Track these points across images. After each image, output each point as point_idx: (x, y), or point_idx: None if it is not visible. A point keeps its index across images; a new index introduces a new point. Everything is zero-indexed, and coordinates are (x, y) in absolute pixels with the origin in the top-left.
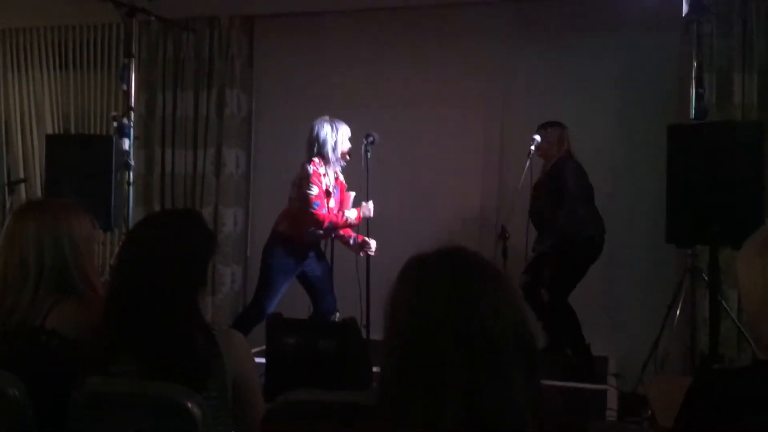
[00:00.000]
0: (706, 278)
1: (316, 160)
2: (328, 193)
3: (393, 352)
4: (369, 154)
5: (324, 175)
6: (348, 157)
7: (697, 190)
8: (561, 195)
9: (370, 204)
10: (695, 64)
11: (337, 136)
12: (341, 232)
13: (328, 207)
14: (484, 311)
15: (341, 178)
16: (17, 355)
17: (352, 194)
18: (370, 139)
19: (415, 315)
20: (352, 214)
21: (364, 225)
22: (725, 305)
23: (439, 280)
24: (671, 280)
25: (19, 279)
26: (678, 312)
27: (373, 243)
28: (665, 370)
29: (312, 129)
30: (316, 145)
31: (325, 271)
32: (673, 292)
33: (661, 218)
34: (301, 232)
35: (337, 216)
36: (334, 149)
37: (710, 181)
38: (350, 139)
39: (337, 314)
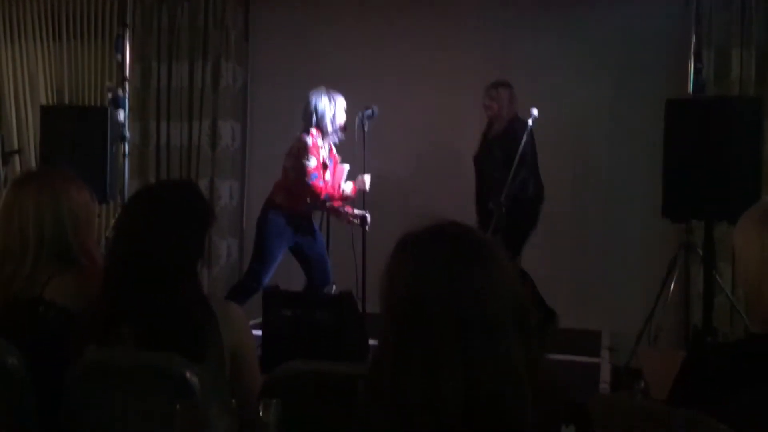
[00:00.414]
0: (701, 253)
1: (314, 131)
2: (324, 166)
3: (389, 326)
4: (366, 126)
5: (321, 147)
6: (345, 129)
7: (694, 165)
8: (517, 156)
9: (367, 177)
10: (694, 38)
11: (335, 108)
12: (335, 204)
13: (324, 179)
14: (478, 284)
15: (334, 151)
16: (15, 325)
17: (346, 167)
18: (368, 111)
19: (409, 288)
20: (348, 187)
21: (360, 199)
22: (719, 280)
23: (433, 254)
24: (666, 254)
25: (18, 250)
26: (672, 287)
27: (368, 216)
28: (659, 344)
29: (309, 100)
30: (314, 116)
31: (318, 242)
32: (668, 266)
33: (657, 193)
34: (296, 203)
35: (333, 188)
36: (333, 121)
37: (707, 156)
38: (345, 111)
39: (334, 287)
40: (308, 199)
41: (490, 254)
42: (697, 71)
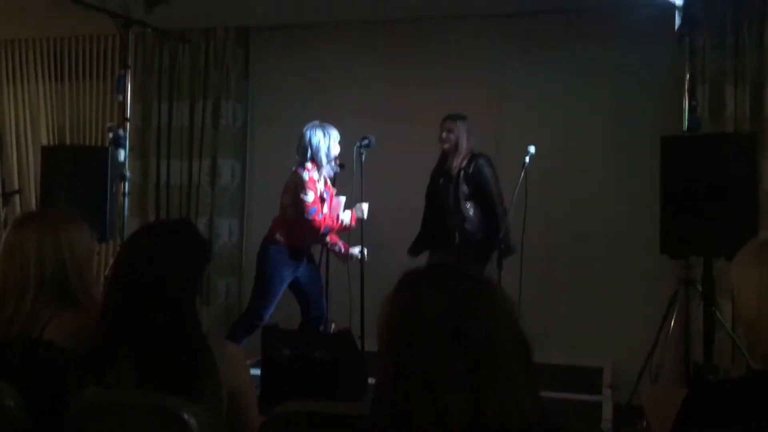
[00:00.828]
0: (700, 289)
1: (309, 165)
2: (322, 199)
3: (389, 360)
4: (363, 156)
5: (317, 180)
6: (338, 162)
7: (691, 201)
8: (480, 192)
9: (365, 206)
10: (688, 76)
11: (329, 141)
12: (330, 240)
13: (322, 212)
14: (485, 319)
15: (330, 183)
16: (14, 366)
17: (343, 199)
18: (365, 141)
19: (411, 321)
20: (346, 216)
21: (358, 232)
22: (719, 316)
23: (435, 288)
24: (666, 290)
25: (19, 289)
26: (672, 323)
27: (356, 250)
28: (660, 381)
29: (303, 134)
30: (309, 150)
31: (315, 277)
32: (668, 303)
33: (656, 229)
34: (296, 239)
35: (332, 219)
36: (327, 154)
37: (704, 193)
38: (339, 143)
39: (333, 325)
40: (307, 234)
41: (494, 290)
42: (691, 108)
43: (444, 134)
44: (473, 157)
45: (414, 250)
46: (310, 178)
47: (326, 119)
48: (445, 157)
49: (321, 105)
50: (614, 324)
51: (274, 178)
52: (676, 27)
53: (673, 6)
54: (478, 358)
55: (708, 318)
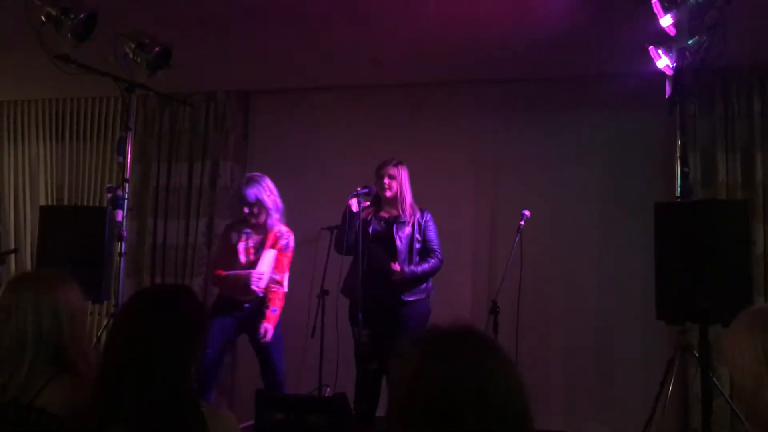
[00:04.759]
0: (697, 355)
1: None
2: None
3: (404, 417)
4: (361, 203)
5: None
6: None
7: (685, 267)
8: (425, 243)
9: (254, 273)
10: (679, 143)
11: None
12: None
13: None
14: (504, 385)
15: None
16: None
17: (269, 252)
18: (365, 190)
19: (433, 388)
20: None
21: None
22: (717, 383)
23: (461, 357)
24: (664, 356)
25: (15, 352)
26: (670, 389)
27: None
28: None
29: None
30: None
31: (256, 344)
32: (665, 369)
33: (652, 295)
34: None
35: (236, 275)
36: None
37: (698, 259)
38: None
39: (328, 389)
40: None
41: (505, 355)
42: (684, 175)
43: (386, 180)
44: (420, 211)
45: (351, 292)
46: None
47: (323, 180)
48: (378, 201)
49: (317, 166)
50: (612, 390)
51: None
52: (667, 95)
53: (664, 75)
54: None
55: (705, 385)
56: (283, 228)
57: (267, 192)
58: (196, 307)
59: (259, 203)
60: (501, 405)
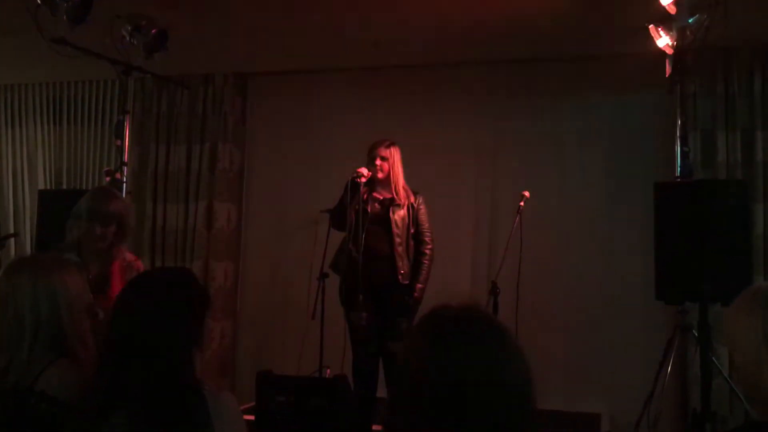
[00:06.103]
0: (696, 335)
1: None
2: None
3: (419, 413)
4: (361, 186)
5: None
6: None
7: (685, 247)
8: (418, 227)
9: None
10: (679, 122)
11: None
12: None
13: None
14: (508, 371)
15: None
16: (5, 418)
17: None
18: (360, 176)
19: (444, 376)
20: None
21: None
22: (716, 362)
23: (473, 342)
24: (663, 336)
25: (14, 337)
26: (669, 369)
27: None
28: (659, 429)
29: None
30: None
31: None
32: (665, 348)
33: (652, 275)
34: None
35: None
36: None
37: (698, 239)
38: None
39: (328, 370)
40: None
41: (512, 337)
42: (684, 155)
43: (378, 161)
44: (414, 194)
45: (341, 269)
46: None
47: (321, 163)
48: (372, 182)
49: (316, 150)
50: (612, 370)
51: (270, 221)
52: (667, 75)
53: (664, 54)
54: (495, 410)
55: (705, 364)
56: None
57: None
58: (197, 291)
59: None
60: (511, 389)
